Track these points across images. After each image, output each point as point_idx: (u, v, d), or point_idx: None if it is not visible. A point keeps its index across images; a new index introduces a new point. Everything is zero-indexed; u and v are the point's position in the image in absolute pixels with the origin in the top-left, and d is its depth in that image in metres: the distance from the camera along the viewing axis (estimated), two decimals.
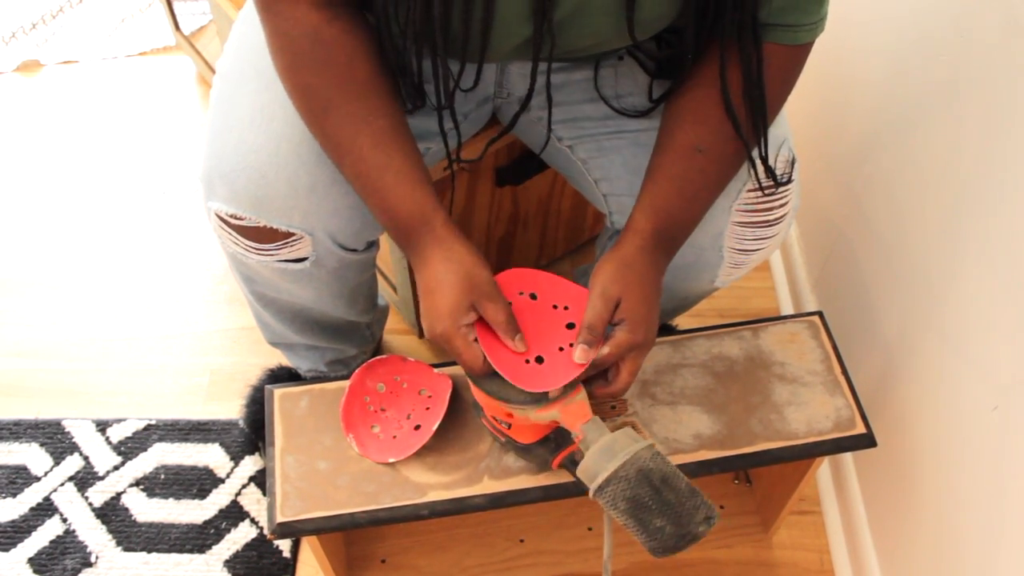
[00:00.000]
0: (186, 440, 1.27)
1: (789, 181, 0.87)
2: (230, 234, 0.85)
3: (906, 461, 1.00)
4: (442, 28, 0.72)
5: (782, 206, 0.88)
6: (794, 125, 0.97)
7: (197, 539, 1.18)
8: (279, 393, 0.92)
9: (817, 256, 1.33)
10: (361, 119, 0.75)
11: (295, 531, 0.84)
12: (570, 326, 0.76)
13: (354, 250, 0.89)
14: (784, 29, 0.76)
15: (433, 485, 0.86)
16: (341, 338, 1.13)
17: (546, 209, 1.31)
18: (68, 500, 1.21)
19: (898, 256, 1.04)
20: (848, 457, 1.17)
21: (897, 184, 1.04)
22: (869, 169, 1.12)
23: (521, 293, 0.78)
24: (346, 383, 0.91)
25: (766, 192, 0.86)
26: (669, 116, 0.82)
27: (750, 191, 0.85)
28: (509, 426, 0.80)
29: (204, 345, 1.39)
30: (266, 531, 1.17)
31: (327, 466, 0.87)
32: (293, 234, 0.83)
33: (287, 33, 0.74)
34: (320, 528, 0.84)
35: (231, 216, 0.83)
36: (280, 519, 0.84)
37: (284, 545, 1.17)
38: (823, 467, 1.23)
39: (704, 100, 0.79)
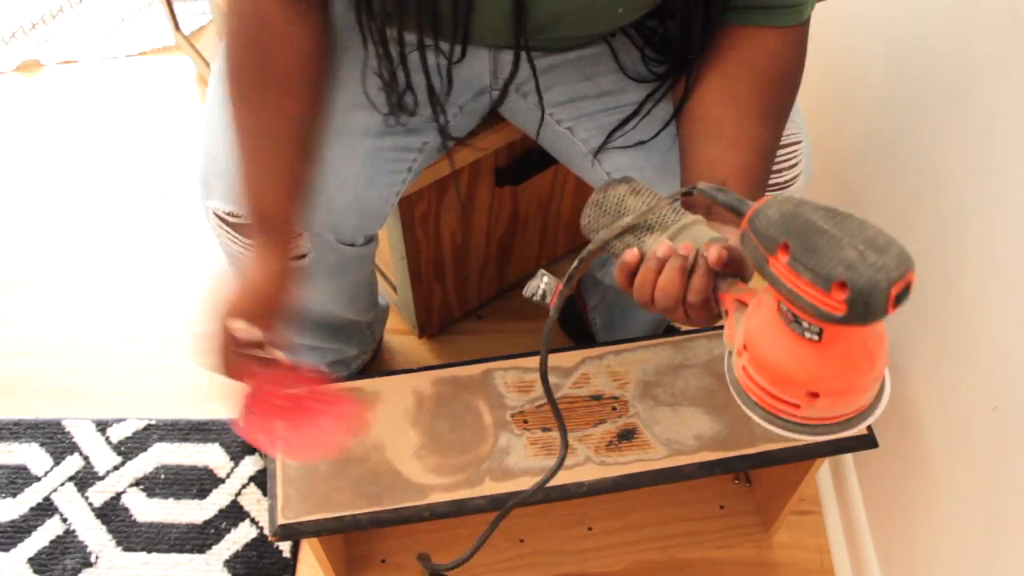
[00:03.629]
0: (186, 440, 1.27)
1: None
2: (228, 232, 0.86)
3: (906, 461, 1.00)
4: (425, 4, 0.72)
5: (792, 167, 0.87)
6: None
7: (197, 539, 1.18)
8: None
9: None
10: (258, 109, 0.76)
11: (297, 533, 0.84)
12: None
13: (352, 244, 0.89)
14: (769, 11, 0.75)
15: (435, 487, 0.86)
16: (341, 338, 1.13)
17: (546, 209, 1.31)
18: (68, 500, 1.21)
19: None
20: (848, 457, 1.17)
21: (897, 184, 1.04)
22: (869, 169, 1.12)
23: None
24: (349, 384, 0.91)
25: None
26: (683, 139, 0.80)
27: None
28: None
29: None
30: (268, 533, 1.17)
31: (328, 468, 0.87)
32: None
33: (241, 11, 0.76)
34: (322, 530, 0.84)
35: (228, 214, 0.84)
36: (282, 521, 0.84)
37: (284, 545, 1.17)
38: (823, 467, 1.23)
39: (717, 123, 0.77)
